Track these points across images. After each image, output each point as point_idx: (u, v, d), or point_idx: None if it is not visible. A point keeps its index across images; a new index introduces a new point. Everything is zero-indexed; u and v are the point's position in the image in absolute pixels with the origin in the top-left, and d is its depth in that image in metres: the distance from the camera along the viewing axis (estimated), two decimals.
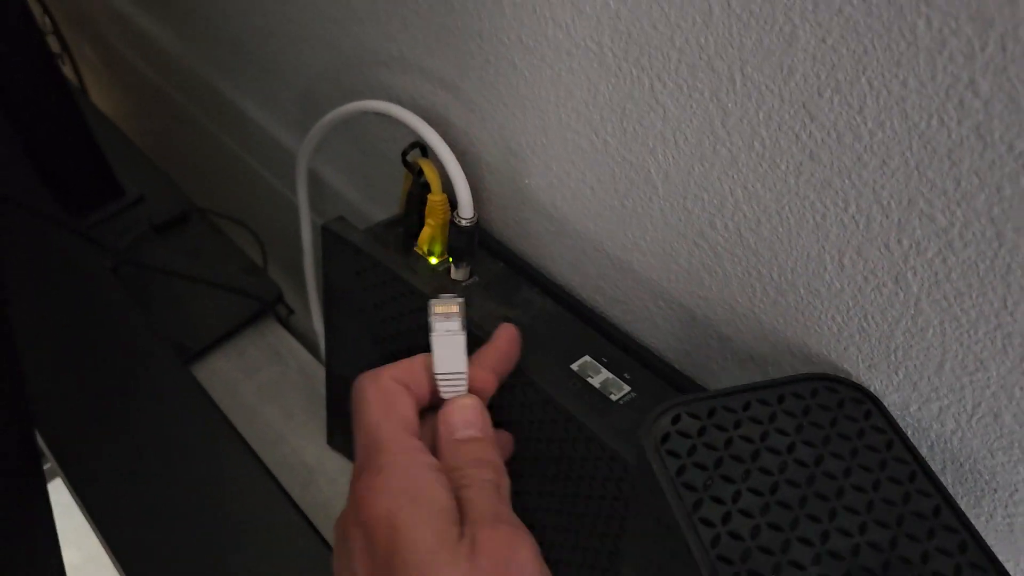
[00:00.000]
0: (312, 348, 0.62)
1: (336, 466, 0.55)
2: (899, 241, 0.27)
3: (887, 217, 0.27)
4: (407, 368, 0.35)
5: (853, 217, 0.28)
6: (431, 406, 0.35)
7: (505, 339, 0.37)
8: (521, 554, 0.29)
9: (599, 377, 0.40)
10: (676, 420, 0.30)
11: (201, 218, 0.68)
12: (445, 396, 0.35)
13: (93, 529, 0.49)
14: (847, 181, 0.27)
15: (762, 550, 0.26)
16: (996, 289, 0.25)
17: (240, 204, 0.72)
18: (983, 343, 0.27)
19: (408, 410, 0.34)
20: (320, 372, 0.58)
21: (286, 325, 0.64)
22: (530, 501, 0.42)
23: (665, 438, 0.29)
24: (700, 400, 0.30)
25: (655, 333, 0.40)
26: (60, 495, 0.52)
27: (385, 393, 0.33)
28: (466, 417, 0.34)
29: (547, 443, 0.39)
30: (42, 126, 0.63)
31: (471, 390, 0.35)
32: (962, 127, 0.23)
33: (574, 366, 0.40)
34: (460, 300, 0.36)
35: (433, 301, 0.36)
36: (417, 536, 0.29)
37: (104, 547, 0.48)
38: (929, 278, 0.27)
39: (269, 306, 0.62)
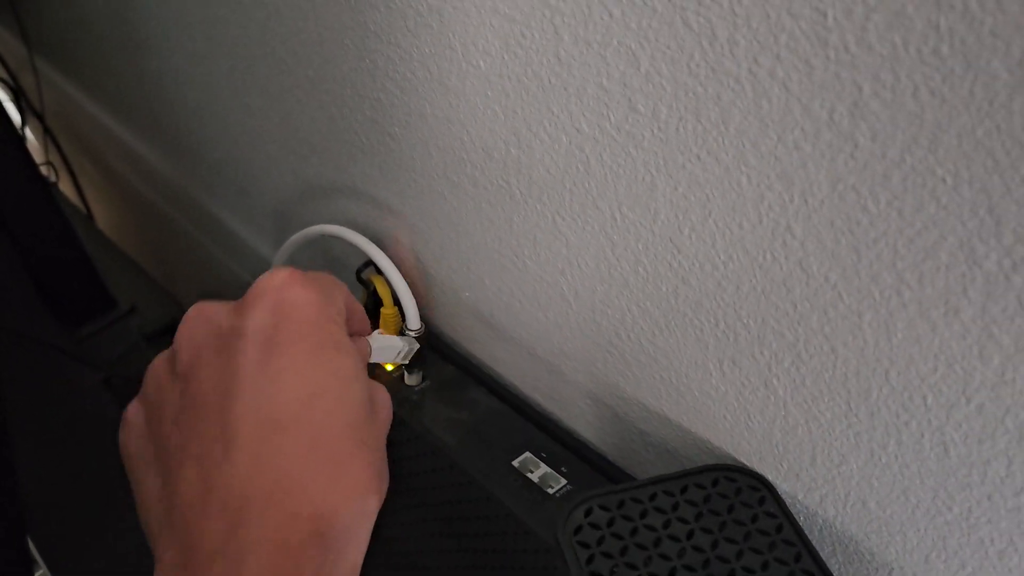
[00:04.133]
0: None
1: None
2: (761, 352, 0.31)
3: (748, 332, 0.31)
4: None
5: (724, 332, 0.32)
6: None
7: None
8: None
9: (538, 472, 0.43)
10: (588, 512, 0.33)
11: None
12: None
13: None
14: (714, 302, 0.31)
15: None
16: (840, 394, 0.29)
17: None
18: (840, 440, 0.30)
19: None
20: None
21: None
22: (456, 569, 0.46)
23: (578, 530, 0.33)
24: (611, 493, 0.34)
25: (588, 428, 0.44)
26: None
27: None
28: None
29: (487, 536, 0.43)
30: (39, 248, 0.69)
31: None
32: (788, 262, 0.28)
33: (515, 463, 0.44)
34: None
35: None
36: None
37: None
38: (789, 384, 0.31)
39: None
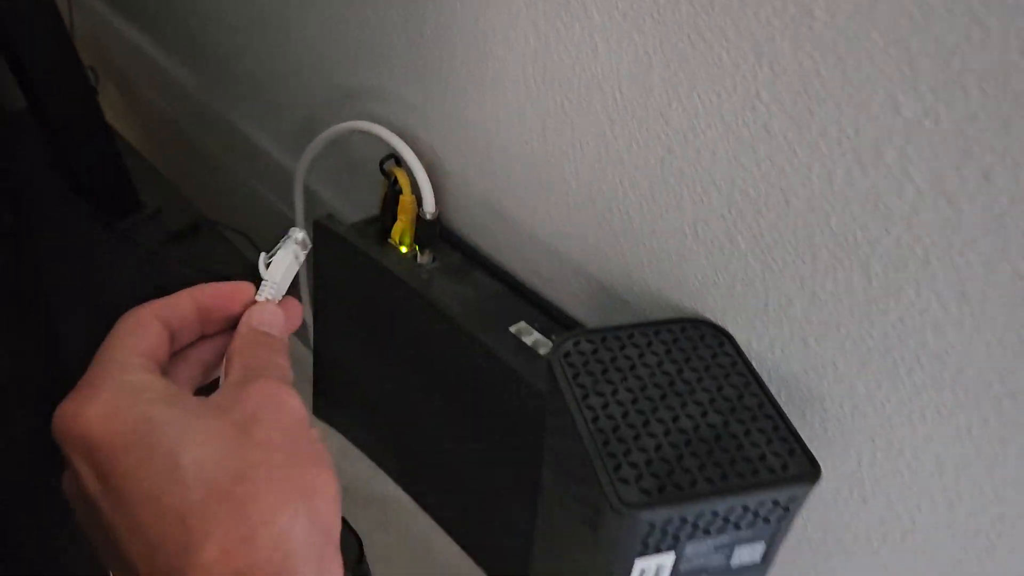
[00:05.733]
0: (302, 339, 0.72)
1: (317, 429, 0.65)
2: (729, 211, 0.38)
3: (720, 193, 0.37)
4: (170, 302, 0.30)
5: (700, 195, 0.38)
6: (192, 344, 0.31)
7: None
8: (289, 401, 0.27)
9: (531, 337, 0.50)
10: (577, 344, 0.40)
11: (210, 229, 0.78)
12: (258, 298, 0.32)
13: None
14: (693, 168, 0.38)
15: (629, 426, 0.36)
16: (791, 241, 0.36)
17: (243, 218, 0.82)
18: (789, 285, 0.37)
19: (152, 339, 0.29)
20: (307, 357, 0.68)
21: None
22: (468, 441, 0.52)
23: (567, 355, 0.39)
24: (596, 331, 0.40)
25: (578, 306, 0.51)
26: None
27: (134, 322, 0.29)
28: (272, 319, 0.31)
29: (484, 388, 0.49)
30: (82, 148, 0.74)
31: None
32: (756, 125, 0.34)
33: (511, 329, 0.50)
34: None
35: (296, 229, 0.34)
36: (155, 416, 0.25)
37: None
38: (750, 237, 0.37)
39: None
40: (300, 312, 0.34)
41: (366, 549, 0.57)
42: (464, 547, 0.60)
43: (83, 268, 0.67)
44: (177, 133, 0.88)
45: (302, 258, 0.35)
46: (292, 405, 0.27)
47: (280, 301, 0.33)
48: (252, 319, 0.31)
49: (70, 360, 0.60)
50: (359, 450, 0.65)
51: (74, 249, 0.68)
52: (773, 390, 0.41)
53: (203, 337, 0.31)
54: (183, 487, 0.24)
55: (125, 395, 0.26)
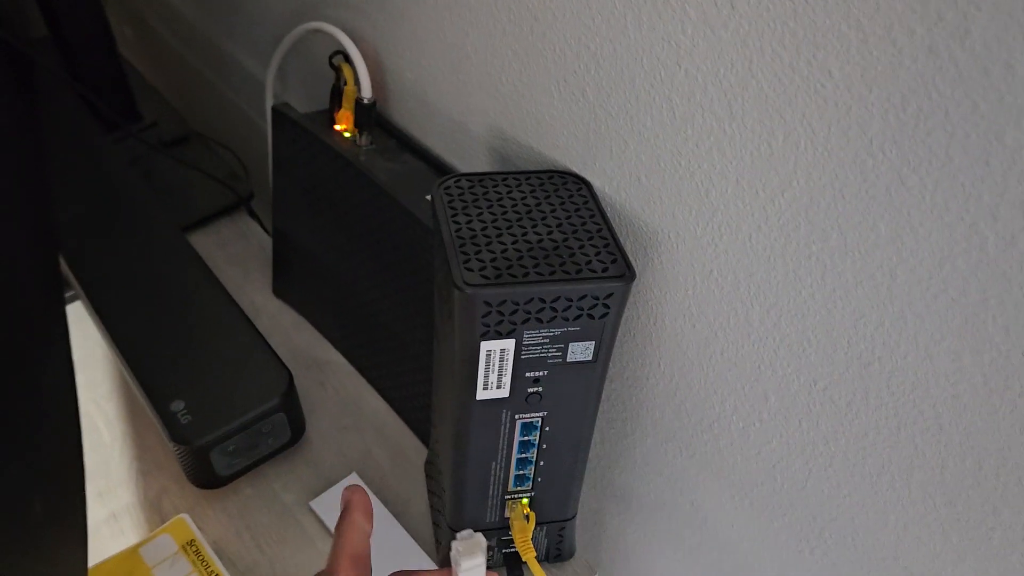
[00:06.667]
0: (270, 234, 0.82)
1: (274, 307, 0.74)
2: (578, 67, 0.46)
3: (571, 50, 0.46)
4: None
5: (558, 54, 0.46)
6: None
7: (359, 503, 0.44)
8: None
9: None
10: (457, 181, 0.48)
11: (199, 140, 0.88)
12: None
13: (99, 327, 0.67)
14: (552, 30, 0.46)
15: (484, 236, 0.44)
16: (619, 86, 0.44)
17: (227, 133, 0.92)
18: (623, 127, 0.45)
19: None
20: (267, 241, 0.77)
21: (254, 217, 0.83)
22: (392, 299, 0.61)
23: (447, 188, 0.48)
24: (474, 174, 0.49)
25: None
26: (78, 312, 0.71)
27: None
28: None
29: (400, 242, 0.58)
30: (88, 59, 0.84)
31: None
32: None
33: (427, 196, 0.59)
34: (482, 540, 0.43)
35: (457, 544, 0.42)
36: None
37: (108, 339, 0.66)
38: (594, 87, 0.45)
39: (243, 201, 0.82)
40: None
41: (306, 404, 0.66)
42: (388, 401, 0.68)
43: (84, 162, 0.77)
44: (173, 54, 0.99)
45: (482, 558, 0.42)
46: None
47: None
48: None
49: (64, 235, 0.70)
50: (308, 322, 0.74)
51: (79, 147, 0.78)
52: (621, 231, 0.49)
53: None
54: None
55: None
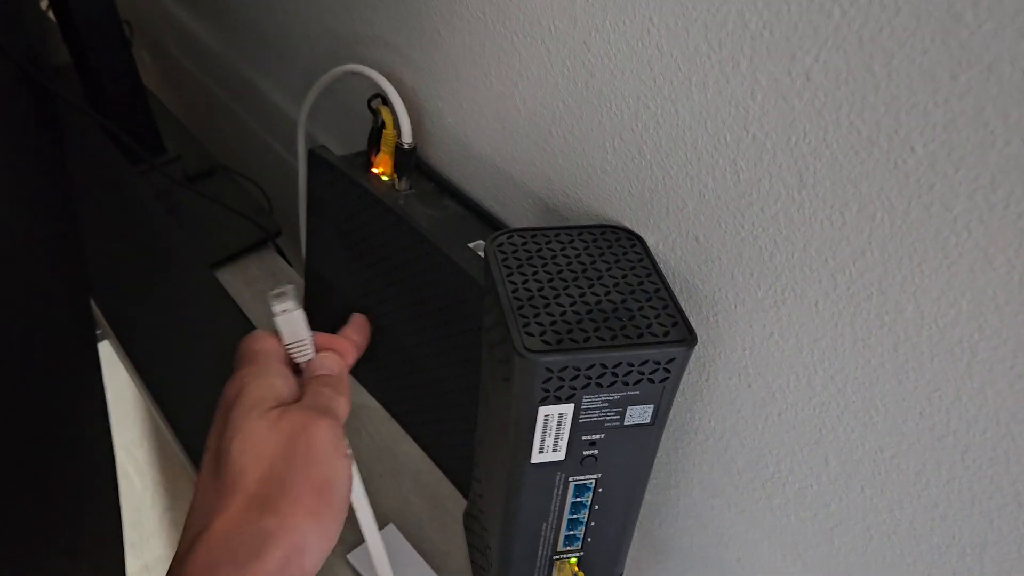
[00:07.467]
0: (295, 263, 0.81)
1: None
2: (636, 125, 0.45)
3: (628, 108, 0.45)
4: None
5: (615, 112, 0.46)
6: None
7: (357, 321, 0.50)
8: (314, 429, 0.39)
9: None
10: (510, 237, 0.47)
11: (224, 174, 0.87)
12: (297, 361, 0.44)
13: (130, 370, 0.66)
14: (608, 88, 0.45)
15: (542, 297, 0.43)
16: (680, 146, 0.43)
17: (253, 167, 0.91)
18: (682, 186, 0.44)
19: (273, 343, 0.43)
20: (301, 280, 0.76)
21: (280, 254, 0.82)
22: (430, 347, 0.60)
23: (500, 245, 0.47)
24: (526, 229, 0.48)
25: (526, 223, 0.58)
26: (106, 353, 0.70)
27: (253, 333, 0.44)
28: (322, 362, 0.45)
29: (443, 292, 0.57)
30: (116, 101, 0.84)
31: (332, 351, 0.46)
32: (649, 46, 0.42)
33: (470, 245, 0.58)
34: (291, 285, 0.44)
35: (270, 293, 0.44)
36: (247, 398, 0.39)
37: (139, 381, 0.65)
38: (653, 146, 0.45)
39: (271, 237, 0.81)
40: (363, 330, 0.50)
41: None
42: (424, 448, 0.67)
43: (111, 198, 0.76)
44: (198, 86, 0.97)
45: (292, 302, 0.44)
46: (317, 431, 0.39)
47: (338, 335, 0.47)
48: (311, 370, 0.44)
49: (93, 276, 0.69)
50: None
51: (105, 182, 0.77)
52: (676, 289, 0.49)
53: None
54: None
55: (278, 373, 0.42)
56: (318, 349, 0.45)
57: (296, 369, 0.44)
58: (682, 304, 0.48)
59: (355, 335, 0.49)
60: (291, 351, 0.44)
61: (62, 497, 0.43)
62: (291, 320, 0.43)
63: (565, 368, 0.41)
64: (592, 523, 0.49)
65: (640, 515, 0.63)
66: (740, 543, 0.54)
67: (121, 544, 0.49)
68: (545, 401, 0.43)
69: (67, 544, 0.43)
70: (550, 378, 0.42)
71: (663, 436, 0.55)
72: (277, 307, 0.43)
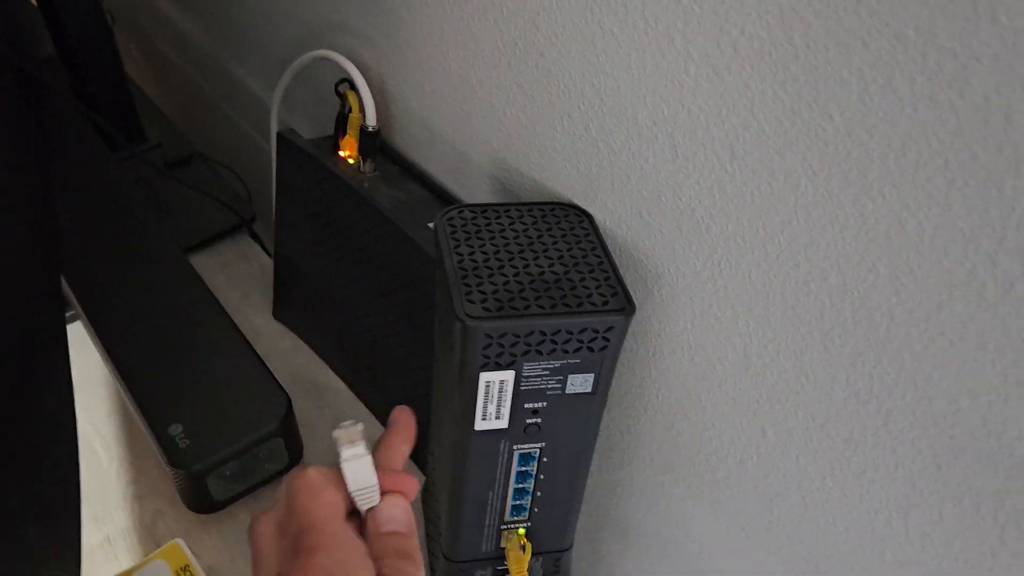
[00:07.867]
0: (266, 246, 0.82)
1: (274, 330, 0.74)
2: (582, 103, 0.46)
3: (575, 86, 0.46)
4: (333, 469, 0.37)
5: (561, 91, 0.47)
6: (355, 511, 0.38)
7: (403, 425, 0.42)
8: None
9: None
10: (460, 212, 0.48)
11: (202, 161, 0.89)
12: (362, 509, 0.38)
13: (100, 349, 0.67)
14: (557, 66, 0.47)
15: (487, 268, 0.45)
16: (622, 122, 0.44)
17: (231, 154, 0.93)
18: (625, 161, 0.46)
19: (335, 497, 0.36)
20: (269, 264, 0.77)
21: (257, 240, 0.84)
22: (391, 324, 0.61)
23: (450, 219, 0.48)
24: (477, 205, 0.49)
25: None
26: (78, 333, 0.71)
27: (310, 481, 0.36)
28: (390, 514, 0.38)
29: (401, 269, 0.58)
30: (98, 89, 0.85)
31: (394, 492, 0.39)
32: (591, 24, 0.43)
33: (429, 224, 0.59)
34: (361, 426, 0.39)
35: (337, 432, 0.38)
36: None
37: (107, 361, 0.66)
38: (598, 123, 0.46)
39: (246, 222, 0.82)
40: (411, 430, 0.42)
41: (304, 429, 0.66)
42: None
43: (90, 183, 0.77)
44: (179, 74, 1.00)
45: (362, 446, 0.38)
46: None
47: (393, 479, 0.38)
48: (377, 524, 0.37)
49: (67, 258, 0.70)
50: (308, 346, 0.74)
51: (85, 168, 0.79)
52: (622, 265, 0.50)
53: None
54: None
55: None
56: (382, 491, 0.39)
57: (354, 510, 0.39)
58: (627, 279, 0.50)
59: (405, 444, 0.42)
60: (357, 499, 0.38)
61: (14, 460, 0.44)
62: (361, 466, 0.38)
63: (504, 334, 0.42)
64: (539, 493, 0.50)
65: (599, 495, 0.64)
66: (688, 519, 0.55)
67: (78, 512, 0.50)
68: (486, 367, 0.44)
69: (18, 505, 0.44)
70: (490, 344, 0.43)
71: (617, 415, 0.57)
72: (347, 452, 0.38)
